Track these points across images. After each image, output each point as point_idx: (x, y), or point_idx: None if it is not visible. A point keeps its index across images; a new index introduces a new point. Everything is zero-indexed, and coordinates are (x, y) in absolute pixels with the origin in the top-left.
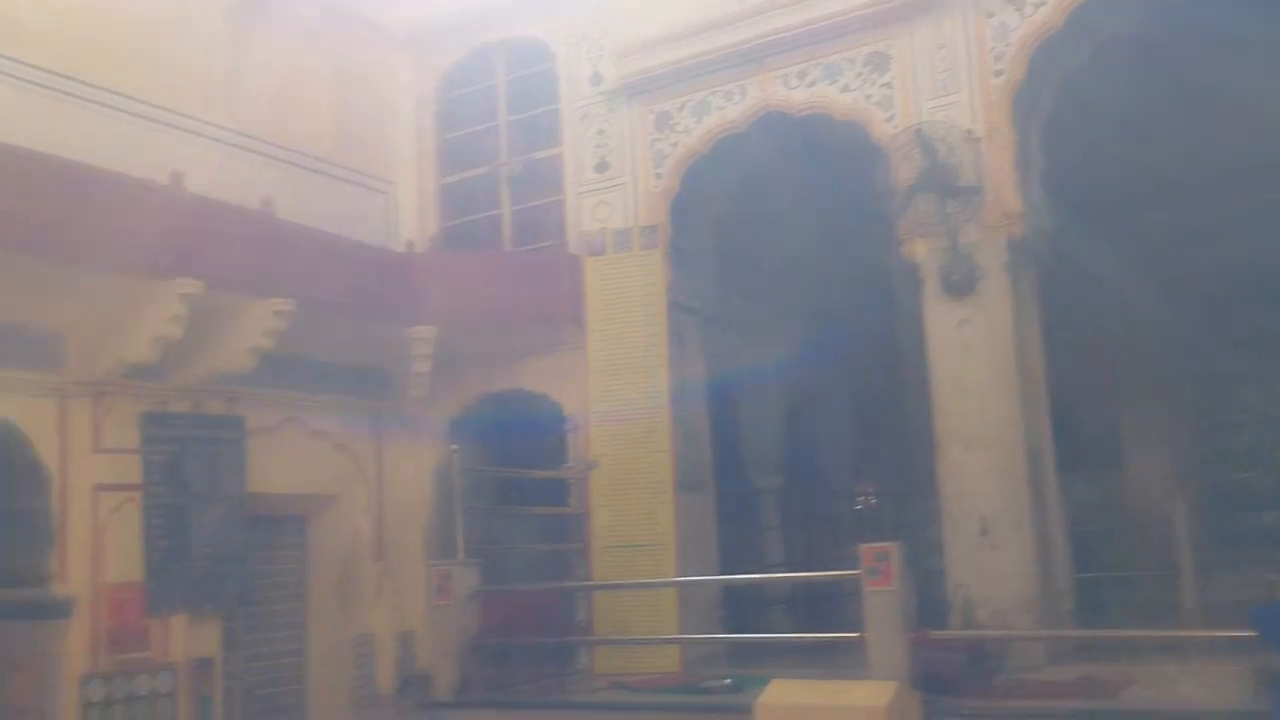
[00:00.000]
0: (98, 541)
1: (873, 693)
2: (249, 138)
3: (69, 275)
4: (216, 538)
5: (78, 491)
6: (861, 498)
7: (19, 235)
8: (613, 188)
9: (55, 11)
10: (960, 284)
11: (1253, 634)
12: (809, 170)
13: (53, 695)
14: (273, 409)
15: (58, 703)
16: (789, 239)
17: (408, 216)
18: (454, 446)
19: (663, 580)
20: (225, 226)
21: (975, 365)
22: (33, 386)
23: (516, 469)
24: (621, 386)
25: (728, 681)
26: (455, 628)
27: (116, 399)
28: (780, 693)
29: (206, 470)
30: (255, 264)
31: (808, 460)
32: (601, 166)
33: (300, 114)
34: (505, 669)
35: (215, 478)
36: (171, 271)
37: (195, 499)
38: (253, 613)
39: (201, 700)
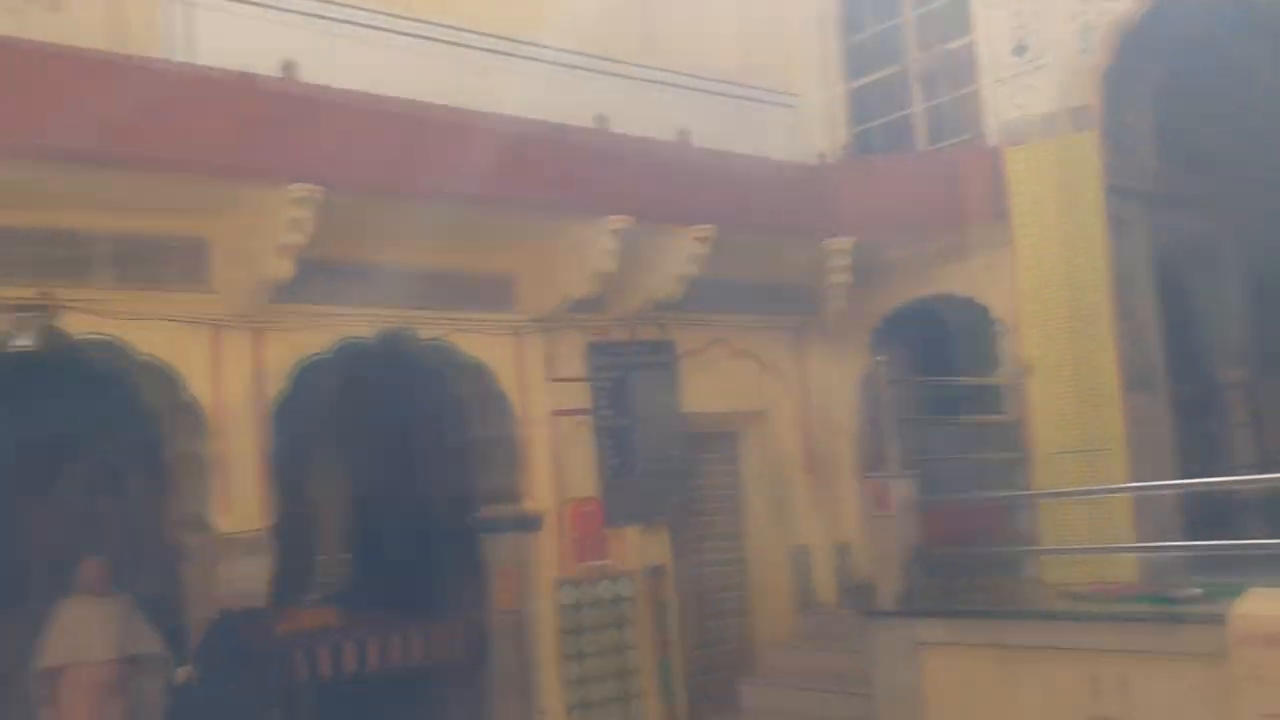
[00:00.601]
0: (558, 462)
1: None
2: (663, 71)
3: (516, 223)
4: (658, 455)
5: (537, 419)
6: None
7: (473, 189)
8: (1034, 70)
9: None
10: None
11: None
12: (1261, 28)
13: (532, 599)
14: (700, 331)
15: (536, 606)
16: (1242, 104)
17: (817, 127)
18: (879, 357)
19: (1119, 486)
20: (648, 161)
21: None
22: (493, 326)
23: (945, 377)
24: (1056, 282)
25: (1196, 591)
26: (895, 538)
27: (564, 332)
28: (1261, 602)
29: (645, 393)
30: (677, 194)
31: (1278, 348)
32: (1019, 49)
33: (708, 41)
34: (949, 579)
35: (653, 400)
36: (604, 209)
37: (637, 420)
38: (696, 524)
39: (658, 604)
